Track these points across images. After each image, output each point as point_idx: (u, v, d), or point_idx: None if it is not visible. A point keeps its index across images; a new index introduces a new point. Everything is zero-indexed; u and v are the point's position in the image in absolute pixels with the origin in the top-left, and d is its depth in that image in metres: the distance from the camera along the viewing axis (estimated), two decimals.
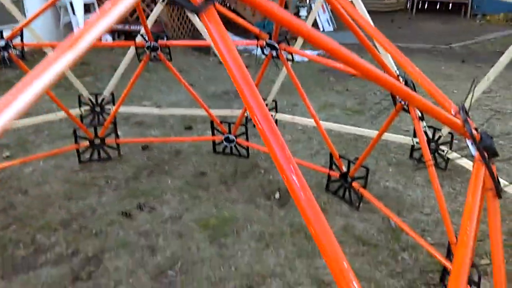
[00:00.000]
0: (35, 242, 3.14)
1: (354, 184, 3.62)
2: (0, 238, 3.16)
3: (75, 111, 4.75)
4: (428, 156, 2.78)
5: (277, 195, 3.83)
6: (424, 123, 4.30)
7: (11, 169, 4.03)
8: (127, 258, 3.01)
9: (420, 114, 2.95)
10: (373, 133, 4.23)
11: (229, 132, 4.37)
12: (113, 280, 2.81)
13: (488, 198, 1.71)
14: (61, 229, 3.29)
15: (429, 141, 4.26)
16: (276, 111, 4.97)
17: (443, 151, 4.20)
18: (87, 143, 4.18)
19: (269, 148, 1.09)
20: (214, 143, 4.51)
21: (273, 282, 2.82)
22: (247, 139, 4.40)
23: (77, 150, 4.16)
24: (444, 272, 2.76)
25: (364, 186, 3.60)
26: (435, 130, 4.27)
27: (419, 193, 3.88)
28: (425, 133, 4.28)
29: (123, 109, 4.95)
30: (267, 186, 3.97)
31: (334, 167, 3.83)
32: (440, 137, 4.25)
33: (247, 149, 4.41)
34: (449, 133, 4.21)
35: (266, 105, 4.92)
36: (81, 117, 4.88)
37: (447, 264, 2.67)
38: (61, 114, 4.53)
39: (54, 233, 3.24)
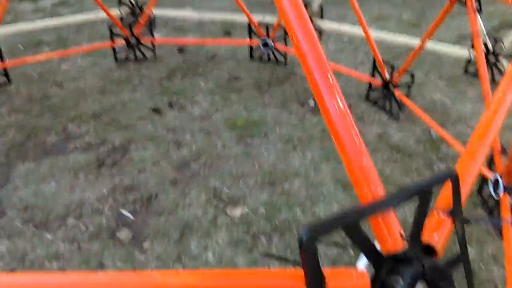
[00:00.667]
0: (66, 131, 3.20)
1: (396, 92, 3.34)
2: (33, 125, 3.24)
3: (115, 12, 4.66)
4: (479, 43, 2.45)
5: (311, 103, 3.63)
6: (485, 32, 3.84)
7: (50, 64, 4.08)
8: (152, 150, 3.01)
9: (478, 6, 2.56)
10: (427, 44, 3.84)
11: (267, 36, 4.13)
12: (136, 168, 2.83)
13: None
14: (92, 120, 3.32)
15: (488, 53, 3.82)
16: (322, 17, 4.63)
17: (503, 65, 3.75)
18: (122, 41, 4.11)
19: None
20: (251, 48, 4.30)
21: (296, 181, 2.72)
22: (285, 43, 4.14)
23: (113, 48, 4.12)
24: (483, 183, 2.53)
25: (407, 94, 3.31)
26: (496, 41, 3.80)
27: (469, 108, 3.55)
28: (485, 45, 3.84)
29: (162, 12, 4.81)
30: (303, 93, 3.77)
31: (376, 75, 3.55)
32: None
33: (284, 55, 4.18)
34: None
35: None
36: (121, 19, 4.80)
37: (488, 173, 2.43)
38: (102, 15, 4.46)
39: (85, 124, 3.28)
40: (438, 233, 0.86)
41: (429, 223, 0.85)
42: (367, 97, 3.64)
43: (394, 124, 3.32)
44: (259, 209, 2.50)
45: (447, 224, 0.88)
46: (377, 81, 3.52)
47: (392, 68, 3.35)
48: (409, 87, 3.30)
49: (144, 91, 3.75)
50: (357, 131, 0.83)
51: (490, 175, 2.38)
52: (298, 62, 0.91)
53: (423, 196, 0.77)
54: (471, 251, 2.20)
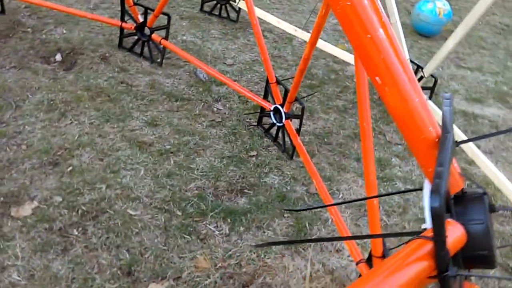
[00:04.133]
0: None
1: (154, 36, 3.16)
2: None
3: None
4: None
5: (58, 57, 3.06)
6: None
7: None
8: None
9: None
10: None
11: None
12: None
13: None
14: None
15: None
16: None
17: (235, 1, 4.03)
18: None
19: None
20: None
21: (84, 153, 2.30)
22: None
23: None
24: (261, 113, 2.75)
25: (166, 37, 3.18)
26: None
27: (218, 45, 3.71)
28: None
29: None
30: (42, 48, 3.12)
31: (127, 18, 3.24)
32: None
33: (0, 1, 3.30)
34: None
35: None
36: None
37: (265, 104, 2.65)
38: None
39: None
40: None
41: None
42: (121, 45, 3.32)
43: (160, 70, 3.17)
44: (54, 198, 2.02)
45: None
46: (129, 25, 3.23)
47: (146, 10, 3.12)
48: (167, 29, 3.17)
49: None
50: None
51: (268, 106, 2.60)
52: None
53: None
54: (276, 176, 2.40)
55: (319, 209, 2.21)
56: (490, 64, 4.26)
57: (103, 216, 1.98)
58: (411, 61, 3.03)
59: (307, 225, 2.12)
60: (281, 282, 1.82)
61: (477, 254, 0.69)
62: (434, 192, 0.56)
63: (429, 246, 0.58)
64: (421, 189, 0.78)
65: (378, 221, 1.55)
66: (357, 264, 1.73)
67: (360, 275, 1.73)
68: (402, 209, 2.32)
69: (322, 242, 2.04)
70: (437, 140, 0.69)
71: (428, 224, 0.74)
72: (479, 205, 0.71)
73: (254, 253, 1.93)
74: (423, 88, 2.99)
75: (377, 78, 0.67)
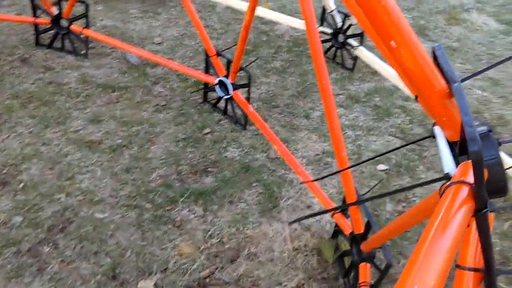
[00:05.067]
0: None
1: (74, 27, 2.96)
2: None
3: None
4: None
5: None
6: None
7: None
8: None
9: None
10: None
11: None
12: None
13: None
14: None
15: None
16: None
17: None
18: None
19: None
20: None
21: (31, 165, 2.17)
22: None
23: None
24: (206, 89, 2.72)
25: (87, 26, 2.99)
26: None
27: (141, 25, 3.56)
28: None
29: None
30: None
31: (39, 12, 3.00)
32: None
33: None
34: None
35: None
36: None
37: (209, 79, 2.61)
38: None
39: None
40: None
41: None
42: (38, 42, 3.08)
43: (87, 62, 3.00)
44: (13, 219, 1.90)
45: None
46: (44, 20, 2.99)
47: (59, 1, 2.90)
48: (86, 17, 2.97)
49: None
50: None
51: (212, 80, 2.57)
52: None
53: None
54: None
55: (281, 171, 2.27)
56: (404, 1, 4.46)
57: (71, 226, 1.91)
58: (339, 11, 3.11)
59: (275, 189, 2.18)
60: (265, 248, 1.89)
61: (496, 186, 0.77)
62: (471, 139, 0.61)
63: (465, 189, 0.63)
64: (431, 136, 0.83)
65: (351, 179, 1.63)
66: (332, 215, 1.82)
67: (336, 224, 1.83)
68: (357, 156, 2.45)
69: (292, 203, 2.12)
70: (447, 90, 0.74)
71: (450, 169, 0.79)
72: (489, 142, 0.77)
73: (233, 227, 1.97)
74: (353, 35, 3.09)
75: (392, 42, 0.70)
